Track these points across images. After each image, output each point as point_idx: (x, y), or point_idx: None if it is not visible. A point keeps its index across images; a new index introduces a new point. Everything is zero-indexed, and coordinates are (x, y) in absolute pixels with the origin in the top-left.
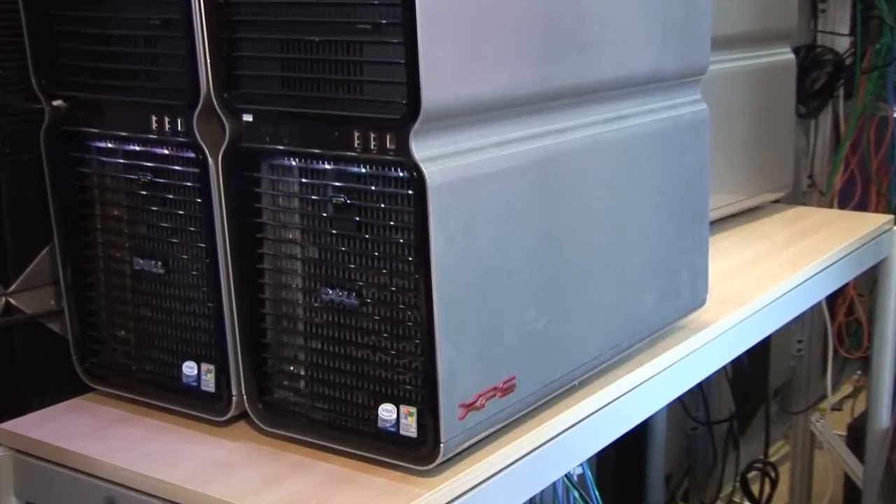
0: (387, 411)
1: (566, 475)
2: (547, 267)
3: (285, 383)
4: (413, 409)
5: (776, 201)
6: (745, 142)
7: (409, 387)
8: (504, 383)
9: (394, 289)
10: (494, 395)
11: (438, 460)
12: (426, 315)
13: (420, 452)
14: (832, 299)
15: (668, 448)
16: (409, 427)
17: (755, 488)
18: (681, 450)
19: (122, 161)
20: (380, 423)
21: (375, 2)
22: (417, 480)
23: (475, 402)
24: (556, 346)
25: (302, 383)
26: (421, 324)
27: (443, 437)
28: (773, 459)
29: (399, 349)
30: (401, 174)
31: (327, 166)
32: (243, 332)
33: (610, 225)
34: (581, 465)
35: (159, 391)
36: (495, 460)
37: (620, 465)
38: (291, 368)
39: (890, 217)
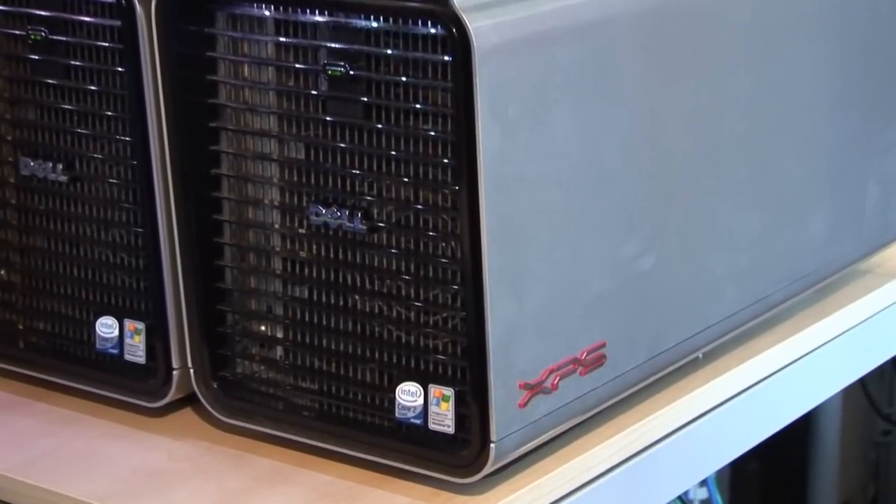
0: (408, 394)
1: (682, 498)
2: (656, 178)
3: (253, 351)
4: (448, 392)
5: None
6: None
7: (442, 357)
8: (588, 354)
9: (420, 207)
10: (574, 372)
11: (487, 469)
12: (470, 248)
13: (459, 457)
14: None
15: (844, 463)
16: (443, 418)
17: None
18: (865, 465)
19: None
20: (398, 413)
21: None
22: (454, 501)
23: (543, 381)
24: (669, 298)
25: (279, 351)
26: (462, 262)
27: (494, 434)
28: None
29: (428, 300)
30: (433, 30)
31: (319, 18)
32: (190, 274)
33: (756, 117)
34: (706, 482)
35: (61, 362)
36: (573, 472)
37: (768, 485)
38: (263, 329)
39: None
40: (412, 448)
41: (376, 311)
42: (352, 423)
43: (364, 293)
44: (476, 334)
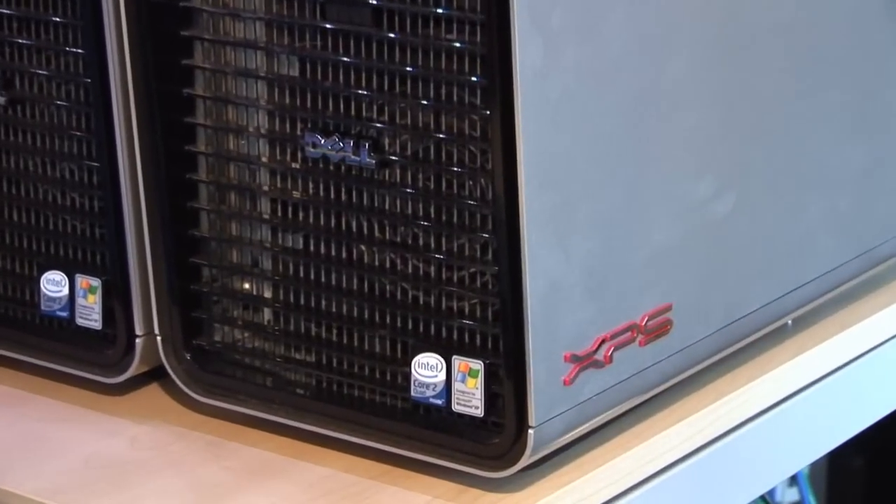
0: (428, 368)
1: (766, 499)
2: (734, 102)
3: (235, 315)
4: (477, 365)
5: None
6: None
7: (469, 322)
8: (650, 319)
9: (443, 136)
10: (632, 341)
11: (524, 461)
12: (505, 187)
13: (490, 446)
14: None
15: None
16: (470, 398)
17: None
18: None
19: None
20: (414, 391)
21: None
22: (483, 500)
23: (594, 352)
24: (751, 251)
25: (267, 315)
26: (494, 204)
27: (532, 418)
28: None
29: (452, 252)
30: None
31: None
32: (156, 218)
33: (862, 25)
34: (796, 480)
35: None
36: (629, 466)
37: (875, 485)
38: (247, 287)
39: None
40: (431, 435)
41: (388, 265)
42: (357, 405)
43: (373, 243)
44: (511, 294)
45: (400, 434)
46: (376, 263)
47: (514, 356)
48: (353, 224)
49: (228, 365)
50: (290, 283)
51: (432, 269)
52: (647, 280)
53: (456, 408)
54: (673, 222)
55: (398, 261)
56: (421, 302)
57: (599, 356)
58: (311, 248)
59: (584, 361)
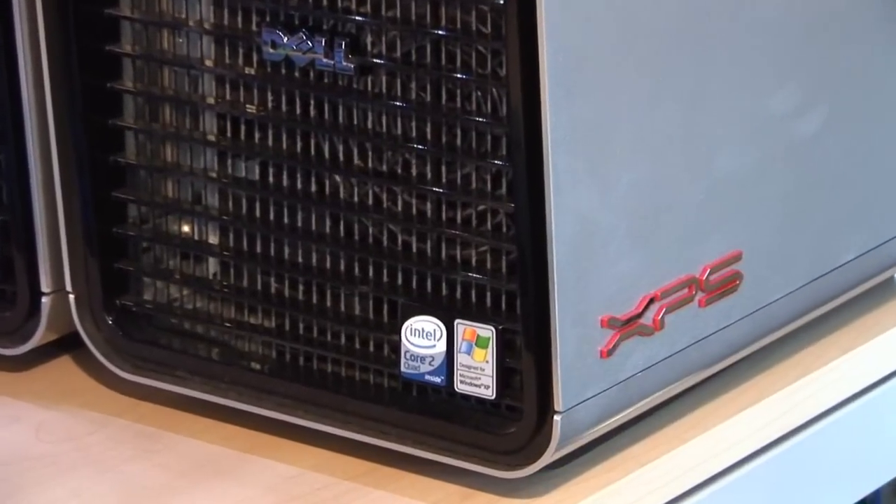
0: (420, 335)
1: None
2: None
3: (171, 266)
4: (487, 331)
5: None
6: None
7: (476, 276)
8: (713, 272)
9: (441, 32)
10: (689, 301)
11: (548, 456)
12: (523, 98)
13: (504, 437)
14: None
15: None
16: (477, 375)
17: None
18: None
19: None
20: (404, 366)
21: None
22: None
23: (640, 315)
24: (846, 183)
25: (213, 267)
26: (509, 120)
27: (560, 401)
28: None
29: (454, 183)
30: None
31: None
32: (68, 140)
33: None
34: None
35: None
36: (686, 463)
37: None
38: (187, 230)
39: None
40: (427, 423)
41: (370, 201)
42: (330, 384)
43: (350, 173)
44: (532, 239)
45: (386, 422)
46: (355, 199)
47: (536, 320)
48: (325, 148)
49: (162, 332)
50: (242, 224)
51: (429, 206)
52: (708, 221)
53: (459, 387)
54: (743, 145)
55: (384, 196)
56: (414, 250)
57: (647, 320)
58: (270, 178)
59: (628, 327)
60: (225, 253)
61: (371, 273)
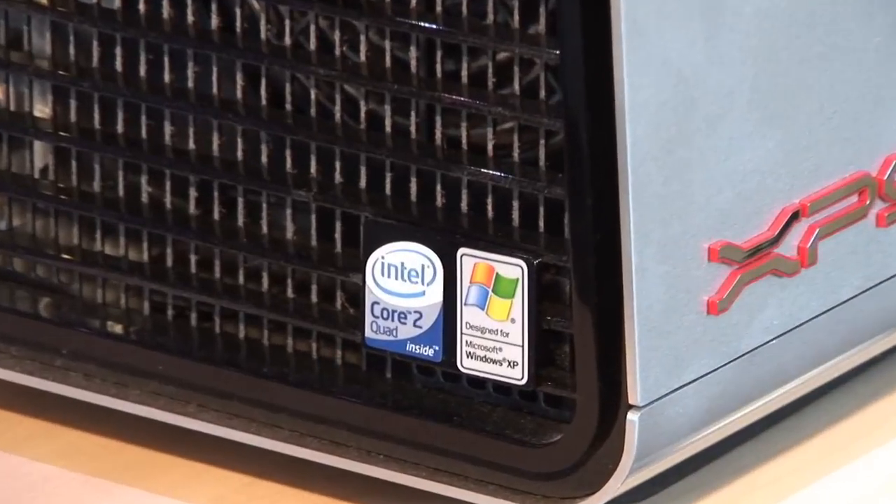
0: (398, 275)
1: None
2: None
3: (39, 166)
4: (513, 267)
5: None
6: None
7: (494, 173)
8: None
9: None
10: (861, 217)
11: (617, 482)
12: None
13: (542, 449)
14: None
15: None
16: (495, 342)
17: None
18: None
19: None
20: (370, 327)
21: None
22: None
23: (775, 239)
24: None
25: (38, 157)
26: None
27: (637, 390)
28: None
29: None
30: None
31: None
32: None
33: None
34: None
35: None
36: (848, 492)
37: None
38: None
39: None
40: (411, 425)
41: (311, 39)
42: (242, 358)
43: (326, 66)
44: (588, 108)
45: (339, 424)
46: (285, 42)
47: (596, 249)
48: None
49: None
50: (92, 80)
51: (412, 51)
52: (893, 81)
53: (465, 365)
54: None
55: (335, 28)
56: (387, 125)
57: (788, 249)
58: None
59: (754, 261)
60: (62, 133)
61: (314, 166)
